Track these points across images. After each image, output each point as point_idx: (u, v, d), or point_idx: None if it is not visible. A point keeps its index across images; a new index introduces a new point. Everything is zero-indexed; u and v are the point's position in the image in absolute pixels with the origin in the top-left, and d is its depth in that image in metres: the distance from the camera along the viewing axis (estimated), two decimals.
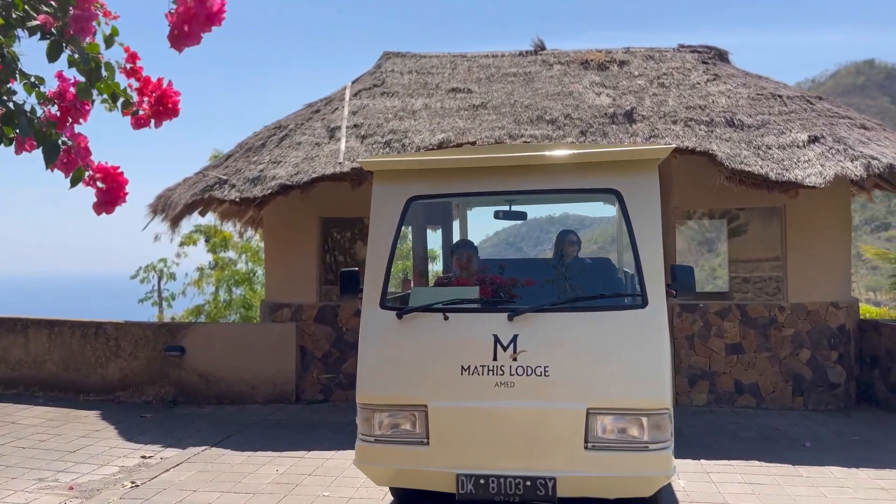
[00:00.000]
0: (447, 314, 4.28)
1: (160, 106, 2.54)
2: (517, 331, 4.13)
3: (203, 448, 6.55)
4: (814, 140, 7.58)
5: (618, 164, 4.38)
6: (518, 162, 4.52)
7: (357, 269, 4.72)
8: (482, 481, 4.00)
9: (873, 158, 7.26)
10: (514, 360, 4.08)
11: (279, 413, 8.02)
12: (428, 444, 4.14)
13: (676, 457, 6.00)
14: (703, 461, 6.01)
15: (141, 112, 2.56)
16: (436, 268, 10.51)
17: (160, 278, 17.68)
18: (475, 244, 5.69)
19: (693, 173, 7.97)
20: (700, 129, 7.77)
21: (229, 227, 13.82)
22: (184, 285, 16.26)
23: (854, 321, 8.37)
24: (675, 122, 7.91)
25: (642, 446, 3.93)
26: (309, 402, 8.58)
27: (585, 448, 3.96)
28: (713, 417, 7.63)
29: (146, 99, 2.56)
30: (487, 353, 4.12)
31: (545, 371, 4.04)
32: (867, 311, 11.12)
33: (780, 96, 8.42)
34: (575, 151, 4.58)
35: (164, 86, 2.55)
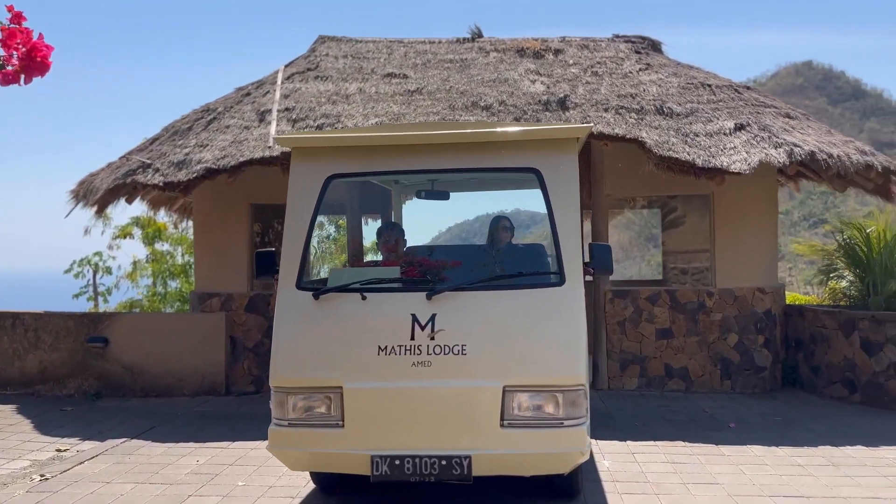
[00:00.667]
0: (365, 294, 4.20)
1: (29, 60, 2.39)
2: (436, 310, 4.07)
3: (122, 440, 6.31)
4: (740, 128, 7.72)
5: (537, 143, 4.36)
6: (438, 140, 4.45)
7: (273, 249, 4.58)
8: (397, 462, 3.93)
9: (796, 146, 7.45)
10: (432, 339, 4.02)
11: (207, 405, 7.79)
12: (343, 426, 4.04)
13: (604, 439, 6.09)
14: (629, 443, 6.06)
15: (9, 67, 2.40)
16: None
17: (95, 272, 17.10)
18: (402, 227, 5.60)
19: (624, 161, 8.05)
20: (630, 117, 7.84)
21: (164, 218, 13.45)
22: (117, 278, 15.74)
23: (780, 306, 8.59)
24: (606, 110, 7.97)
25: (557, 423, 3.91)
26: (239, 393, 8.37)
27: (501, 426, 3.92)
28: (643, 401, 7.72)
29: (14, 53, 2.40)
30: (405, 332, 4.05)
31: (462, 350, 3.99)
32: (795, 297, 11.42)
33: (710, 85, 8.57)
34: (495, 130, 4.53)
35: (35, 38, 2.39)
